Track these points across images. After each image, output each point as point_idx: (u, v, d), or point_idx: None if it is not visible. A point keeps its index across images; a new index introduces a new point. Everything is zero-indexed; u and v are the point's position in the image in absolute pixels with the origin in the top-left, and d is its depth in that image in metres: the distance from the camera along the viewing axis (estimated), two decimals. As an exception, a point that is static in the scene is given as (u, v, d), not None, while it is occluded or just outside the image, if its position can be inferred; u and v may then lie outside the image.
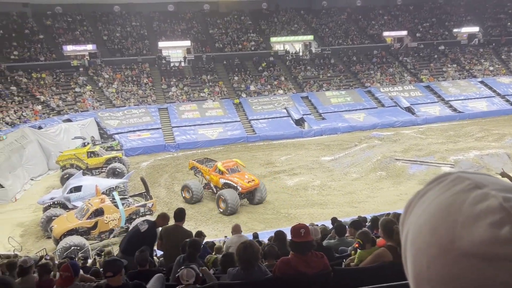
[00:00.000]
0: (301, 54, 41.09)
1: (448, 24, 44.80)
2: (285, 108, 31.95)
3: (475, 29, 43.76)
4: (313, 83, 35.49)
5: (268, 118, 30.98)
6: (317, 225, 9.81)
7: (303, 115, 31.22)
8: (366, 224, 8.74)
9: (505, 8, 44.87)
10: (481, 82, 36.29)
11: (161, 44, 38.44)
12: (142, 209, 15.15)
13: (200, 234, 7.58)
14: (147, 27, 39.67)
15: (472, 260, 0.51)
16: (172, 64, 36.91)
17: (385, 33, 43.22)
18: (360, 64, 38.62)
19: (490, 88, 35.42)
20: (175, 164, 24.17)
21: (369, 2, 44.51)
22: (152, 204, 15.44)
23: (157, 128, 29.05)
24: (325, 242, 6.38)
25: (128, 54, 36.44)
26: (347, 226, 6.75)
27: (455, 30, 44.38)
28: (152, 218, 14.96)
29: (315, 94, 34.12)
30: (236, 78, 35.52)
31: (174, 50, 39.48)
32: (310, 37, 41.97)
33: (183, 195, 18.12)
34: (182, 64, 37.04)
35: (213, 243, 8.98)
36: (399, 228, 0.65)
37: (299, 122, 30.76)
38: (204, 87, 34.06)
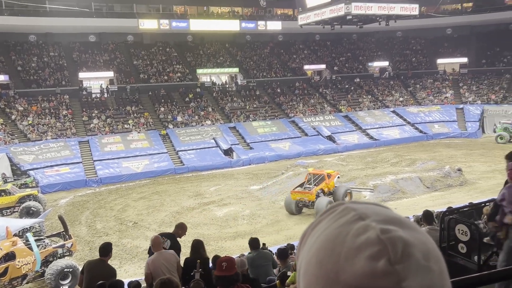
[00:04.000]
0: (227, 85, 41.83)
1: (362, 58, 48.54)
2: (213, 139, 32.03)
3: (385, 63, 47.86)
4: (240, 113, 36.14)
5: (196, 148, 30.79)
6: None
7: (232, 145, 31.50)
8: (294, 251, 8.92)
9: (409, 45, 49.77)
10: (393, 111, 39.47)
11: (82, 75, 36.98)
12: (60, 250, 14.07)
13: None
14: (67, 57, 38.04)
15: None
16: (94, 96, 35.57)
17: (306, 67, 45.64)
18: (283, 96, 40.19)
19: (401, 117, 38.62)
20: (97, 200, 22.92)
21: (290, 37, 46.90)
22: (72, 244, 14.40)
23: (78, 162, 27.49)
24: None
25: (45, 85, 34.51)
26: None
27: (368, 64, 48.18)
28: (72, 259, 13.99)
29: (242, 124, 34.71)
30: (162, 109, 35.06)
31: (96, 81, 38.17)
32: (236, 70, 43.00)
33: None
34: (105, 95, 35.85)
35: (137, 283, 8.54)
36: (295, 260, 0.71)
37: (228, 152, 30.94)
38: (128, 119, 33.12)
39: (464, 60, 45.42)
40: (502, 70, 41.94)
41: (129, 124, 32.48)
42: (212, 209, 20.40)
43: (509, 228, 4.40)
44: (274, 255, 7.42)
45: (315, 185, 18.46)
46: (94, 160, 28.04)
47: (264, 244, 9.93)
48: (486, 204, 6.37)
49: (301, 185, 19.00)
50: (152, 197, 23.04)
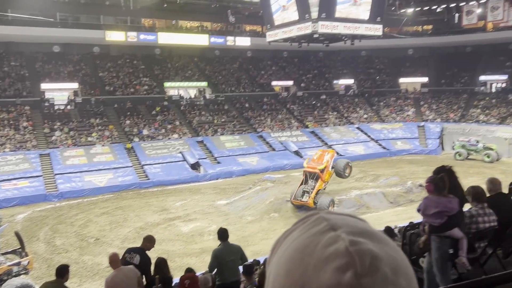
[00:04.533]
0: (195, 99, 41.66)
1: (328, 76, 49.66)
2: (180, 153, 31.66)
3: (350, 81, 49.17)
4: (208, 127, 36.00)
5: (163, 162, 30.31)
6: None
7: (199, 159, 31.22)
8: (260, 267, 8.89)
9: (373, 64, 51.40)
10: (358, 128, 40.43)
11: (44, 85, 35.88)
12: (15, 268, 13.38)
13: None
14: (29, 67, 36.83)
15: None
16: (56, 107, 34.52)
17: (274, 82, 46.23)
18: (252, 111, 40.43)
19: (365, 133, 39.58)
20: (57, 215, 22.06)
21: (259, 53, 47.43)
22: (28, 262, 13.75)
23: (37, 176, 26.43)
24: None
25: (4, 96, 33.21)
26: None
27: (334, 81, 49.34)
28: (28, 278, 13.34)
29: (210, 138, 34.55)
30: (128, 122, 34.41)
31: (60, 92, 37.08)
32: (204, 84, 42.96)
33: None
34: (68, 107, 34.86)
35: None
36: (266, 267, 0.70)
37: (195, 166, 30.62)
38: (92, 131, 32.28)
39: (425, 79, 47.35)
40: (460, 90, 43.99)
41: (92, 136, 31.65)
42: (177, 225, 20.05)
43: (430, 238, 4.58)
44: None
45: (314, 181, 20.65)
46: (55, 174, 27.07)
47: None
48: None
49: (302, 183, 20.89)
50: (115, 212, 22.42)
